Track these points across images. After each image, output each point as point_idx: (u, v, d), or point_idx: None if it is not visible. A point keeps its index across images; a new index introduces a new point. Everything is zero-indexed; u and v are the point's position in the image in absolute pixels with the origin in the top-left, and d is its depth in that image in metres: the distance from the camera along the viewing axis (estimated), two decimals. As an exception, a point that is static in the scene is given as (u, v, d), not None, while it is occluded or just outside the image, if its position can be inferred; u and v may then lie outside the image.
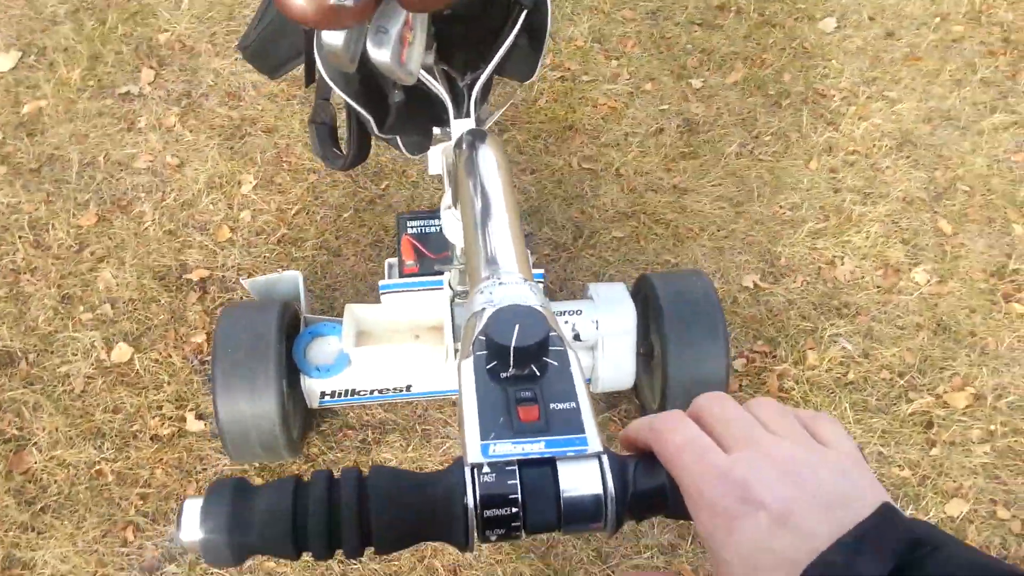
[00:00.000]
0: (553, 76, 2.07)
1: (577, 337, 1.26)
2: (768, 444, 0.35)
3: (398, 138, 1.27)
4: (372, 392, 1.35)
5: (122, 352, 1.56)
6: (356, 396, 1.35)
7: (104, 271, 1.68)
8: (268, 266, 1.70)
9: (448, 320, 1.28)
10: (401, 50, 0.78)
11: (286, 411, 1.25)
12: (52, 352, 1.58)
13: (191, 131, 1.91)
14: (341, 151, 1.23)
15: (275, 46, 1.10)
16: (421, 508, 0.40)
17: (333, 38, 0.71)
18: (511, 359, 0.45)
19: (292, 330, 1.31)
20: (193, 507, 0.39)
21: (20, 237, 1.73)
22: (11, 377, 1.55)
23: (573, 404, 0.44)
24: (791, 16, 2.27)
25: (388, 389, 1.35)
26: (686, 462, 0.36)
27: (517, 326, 0.46)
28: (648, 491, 0.40)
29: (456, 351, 1.27)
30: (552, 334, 0.47)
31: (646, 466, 0.40)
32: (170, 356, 1.57)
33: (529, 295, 0.59)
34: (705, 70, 2.12)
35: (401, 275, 1.42)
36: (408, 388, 1.35)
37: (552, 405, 0.44)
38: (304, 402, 1.35)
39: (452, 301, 1.31)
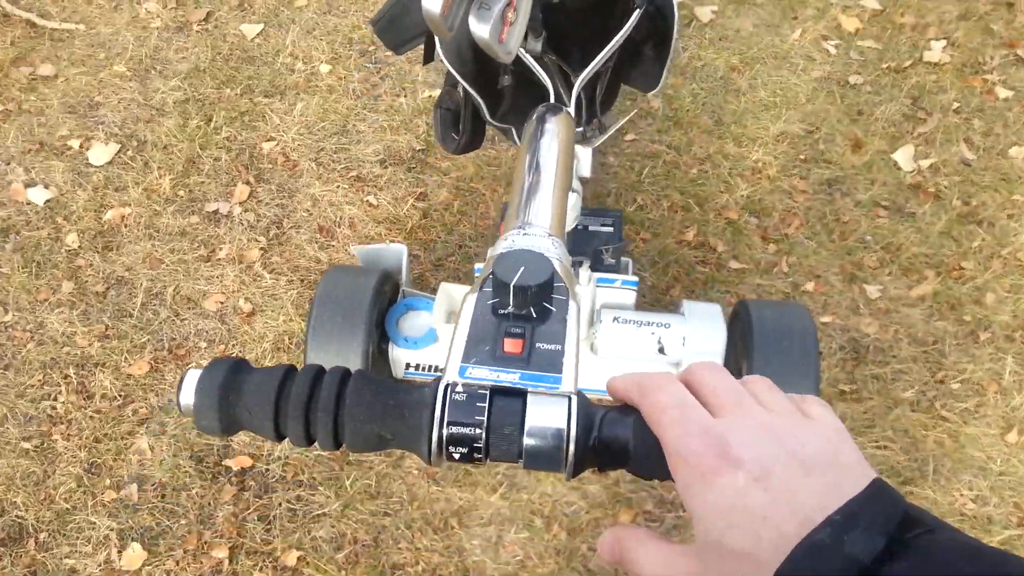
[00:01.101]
0: (693, 257, 1.73)
1: (661, 350, 1.21)
2: (755, 411, 0.35)
3: (513, 130, 1.30)
4: None
5: (133, 556, 1.35)
6: (439, 372, 1.25)
7: (141, 438, 1.48)
8: (319, 465, 1.45)
9: None
10: (502, 28, 0.81)
11: (370, 371, 1.23)
12: (64, 535, 1.38)
13: (272, 271, 1.69)
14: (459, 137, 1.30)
15: (402, 22, 1.14)
16: (393, 415, 0.41)
17: (431, 3, 0.72)
18: (510, 297, 0.48)
19: (390, 300, 1.33)
20: (193, 376, 0.43)
21: (65, 378, 1.55)
22: (15, 560, 1.36)
23: (559, 347, 0.46)
24: (1004, 211, 1.83)
25: None
26: (669, 418, 0.35)
27: (522, 267, 0.49)
28: (611, 439, 0.40)
29: None
30: (558, 283, 0.51)
31: (615, 416, 0.40)
32: (185, 570, 1.34)
33: (548, 246, 0.62)
34: (886, 273, 1.72)
35: None
36: None
37: (539, 344, 0.46)
38: (391, 370, 1.36)
39: None
